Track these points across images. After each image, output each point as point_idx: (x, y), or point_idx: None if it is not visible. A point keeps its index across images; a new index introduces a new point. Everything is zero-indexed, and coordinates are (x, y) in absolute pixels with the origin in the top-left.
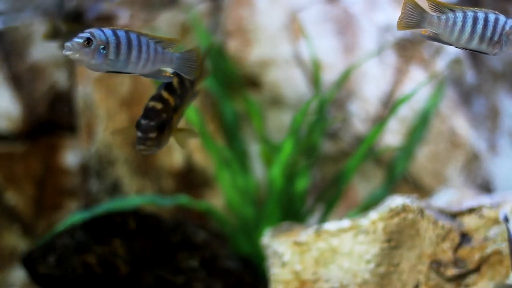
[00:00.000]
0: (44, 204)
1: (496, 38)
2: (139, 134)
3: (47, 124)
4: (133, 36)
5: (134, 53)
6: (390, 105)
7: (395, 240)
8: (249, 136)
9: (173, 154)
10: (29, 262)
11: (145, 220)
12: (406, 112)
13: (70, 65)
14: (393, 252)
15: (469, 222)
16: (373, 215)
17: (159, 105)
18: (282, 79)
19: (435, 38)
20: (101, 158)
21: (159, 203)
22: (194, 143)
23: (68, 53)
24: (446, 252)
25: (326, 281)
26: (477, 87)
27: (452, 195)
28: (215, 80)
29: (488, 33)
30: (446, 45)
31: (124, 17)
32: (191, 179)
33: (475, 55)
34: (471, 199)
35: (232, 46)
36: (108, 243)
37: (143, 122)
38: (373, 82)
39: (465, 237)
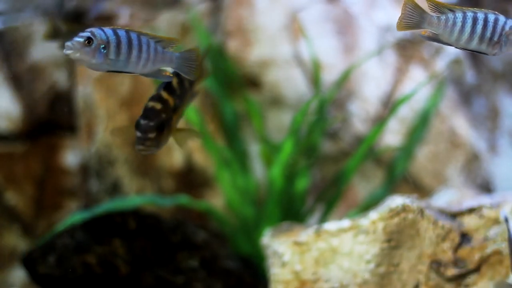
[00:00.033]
0: (44, 204)
1: (495, 39)
2: (139, 134)
3: (47, 124)
4: (133, 36)
5: (135, 52)
6: (390, 105)
7: (395, 240)
8: (249, 136)
9: (173, 154)
10: (29, 262)
11: (145, 220)
12: (406, 112)
13: (70, 65)
14: (393, 252)
15: (469, 222)
16: (373, 215)
17: (158, 106)
18: (282, 79)
19: (435, 38)
20: (101, 158)
21: (159, 203)
22: (194, 143)
23: (68, 52)
24: (446, 252)
25: (326, 281)
26: (477, 87)
27: (452, 195)
28: (215, 80)
29: (488, 34)
30: (446, 45)
31: (124, 16)
32: (191, 179)
33: (475, 55)
34: (471, 199)
35: (232, 46)
36: (108, 243)
37: (142, 122)
38: (373, 82)
39: (465, 237)
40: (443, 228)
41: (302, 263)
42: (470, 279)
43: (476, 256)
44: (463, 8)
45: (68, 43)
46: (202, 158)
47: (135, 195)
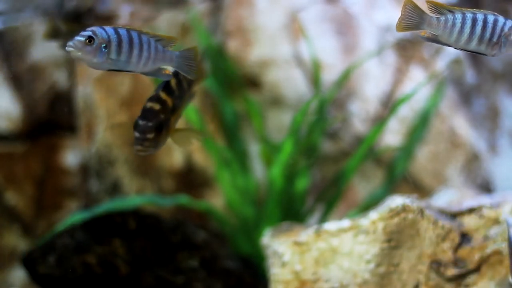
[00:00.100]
0: (44, 204)
1: (495, 39)
2: (137, 134)
3: (47, 124)
4: (134, 35)
5: (136, 51)
6: (390, 105)
7: (395, 240)
8: (249, 136)
9: (173, 154)
10: (29, 262)
11: (145, 220)
12: (406, 112)
13: (70, 65)
14: (393, 252)
15: (469, 222)
16: (373, 215)
17: (157, 106)
18: (282, 79)
19: (434, 39)
20: (101, 158)
21: (159, 203)
22: (194, 144)
23: (70, 51)
24: (446, 252)
25: (326, 281)
26: (477, 87)
27: (452, 195)
28: (215, 80)
29: (487, 34)
30: (445, 46)
31: (124, 16)
32: (191, 179)
33: (475, 55)
34: (471, 199)
35: (232, 46)
36: (108, 243)
37: (141, 122)
38: (373, 82)
39: (465, 237)
40: (443, 228)
41: (302, 263)
42: (470, 279)
43: (476, 256)
44: (463, 9)
45: (70, 42)
46: (202, 158)
47: (135, 195)
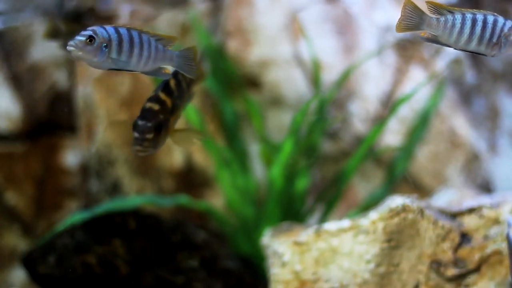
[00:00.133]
0: (44, 204)
1: (494, 40)
2: (136, 135)
3: (47, 124)
4: (134, 34)
5: (136, 50)
6: (390, 105)
7: (395, 240)
8: (249, 136)
9: (173, 154)
10: (29, 262)
11: (145, 220)
12: (406, 112)
13: (70, 65)
14: (393, 252)
15: (469, 222)
16: (373, 215)
17: (156, 106)
18: (282, 79)
19: (434, 40)
20: (101, 158)
21: (159, 203)
22: (195, 144)
23: (71, 50)
24: (446, 252)
25: (326, 281)
26: (477, 87)
27: (452, 195)
28: (215, 80)
29: (487, 35)
30: (445, 46)
31: (124, 15)
32: (191, 179)
33: (475, 55)
34: (471, 199)
35: (232, 46)
36: (108, 243)
37: (140, 123)
38: (373, 82)
39: (465, 237)
40: (443, 228)
41: (302, 263)
42: (470, 279)
43: (476, 256)
44: (462, 9)
45: (71, 42)
46: (202, 158)
47: (135, 195)
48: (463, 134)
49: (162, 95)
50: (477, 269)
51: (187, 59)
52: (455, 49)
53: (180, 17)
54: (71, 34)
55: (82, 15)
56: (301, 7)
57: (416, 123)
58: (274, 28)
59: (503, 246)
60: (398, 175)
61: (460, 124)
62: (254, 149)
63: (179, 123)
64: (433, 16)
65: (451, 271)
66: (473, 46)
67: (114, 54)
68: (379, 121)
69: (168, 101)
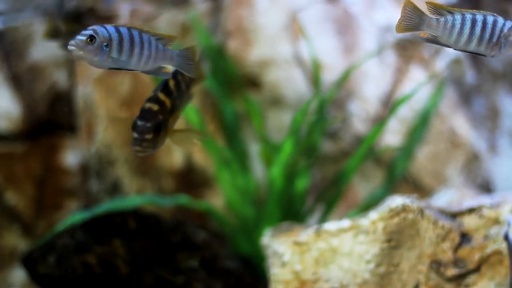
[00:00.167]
0: (44, 204)
1: (494, 40)
2: (135, 135)
3: (47, 124)
4: (135, 33)
5: (137, 50)
6: (390, 105)
7: (395, 240)
8: (249, 136)
9: (173, 154)
10: (29, 262)
11: (145, 220)
12: (406, 112)
13: (70, 65)
14: (393, 252)
15: (469, 222)
16: (373, 215)
17: (155, 107)
18: (282, 79)
19: (434, 40)
20: (101, 158)
21: (159, 203)
22: (195, 144)
23: (72, 50)
24: (446, 252)
25: (326, 281)
26: (477, 87)
27: (452, 195)
28: (215, 80)
29: (487, 35)
30: (445, 47)
31: (124, 15)
32: (191, 179)
33: (475, 55)
34: (471, 199)
35: (232, 46)
36: (108, 243)
37: (139, 123)
38: (373, 82)
39: (465, 237)
40: (443, 228)
41: (302, 263)
42: (470, 279)
43: (476, 256)
44: (462, 10)
45: (72, 42)
46: (202, 158)
47: (135, 195)
48: (463, 134)
49: (161, 96)
50: (477, 269)
51: (187, 58)
52: (454, 49)
53: (180, 17)
54: (71, 34)
55: (82, 15)
56: (301, 7)
57: (416, 123)
58: (274, 28)
59: (503, 246)
60: (398, 175)
61: (460, 124)
62: (254, 149)
63: (179, 123)
64: (433, 16)
65: (451, 271)
66: (472, 46)
67: (114, 54)
68: (379, 121)
69: (167, 102)
